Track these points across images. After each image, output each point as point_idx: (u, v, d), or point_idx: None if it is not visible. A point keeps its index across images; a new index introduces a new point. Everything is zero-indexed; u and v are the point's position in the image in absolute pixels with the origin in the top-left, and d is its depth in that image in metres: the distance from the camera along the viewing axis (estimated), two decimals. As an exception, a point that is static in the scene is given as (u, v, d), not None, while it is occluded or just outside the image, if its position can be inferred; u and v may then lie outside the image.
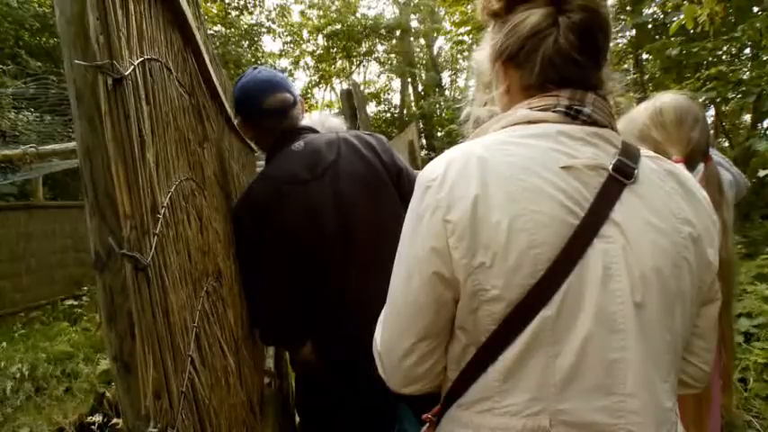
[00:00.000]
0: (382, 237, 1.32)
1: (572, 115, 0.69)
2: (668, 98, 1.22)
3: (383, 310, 0.78)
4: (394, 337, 0.74)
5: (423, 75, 17.54)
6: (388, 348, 0.75)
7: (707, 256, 0.70)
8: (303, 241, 1.35)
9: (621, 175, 0.67)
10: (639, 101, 1.30)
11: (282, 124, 1.48)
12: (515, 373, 0.65)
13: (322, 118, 2.10)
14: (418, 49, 18.72)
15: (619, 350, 0.63)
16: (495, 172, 0.65)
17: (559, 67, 0.69)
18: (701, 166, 1.20)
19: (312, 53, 18.35)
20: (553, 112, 0.69)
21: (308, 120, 2.04)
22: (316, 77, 18.54)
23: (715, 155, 1.23)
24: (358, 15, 17.62)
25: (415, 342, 0.72)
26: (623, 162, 0.68)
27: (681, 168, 0.75)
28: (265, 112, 1.45)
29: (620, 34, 6.18)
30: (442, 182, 0.66)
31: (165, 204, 0.70)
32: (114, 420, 3.07)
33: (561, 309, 0.63)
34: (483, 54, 0.80)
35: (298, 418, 1.90)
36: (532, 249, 0.62)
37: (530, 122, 0.70)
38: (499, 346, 0.65)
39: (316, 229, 1.35)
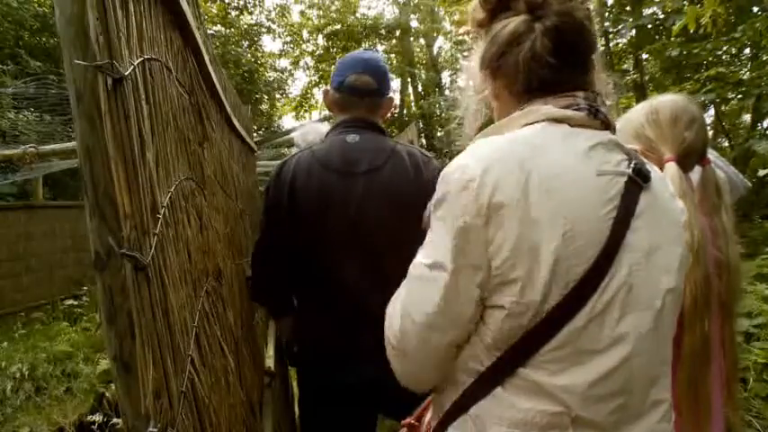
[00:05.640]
0: (395, 250, 1.24)
1: (593, 113, 0.71)
2: (666, 98, 1.23)
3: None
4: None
5: (423, 75, 17.50)
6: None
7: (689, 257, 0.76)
8: (305, 225, 1.39)
9: (641, 178, 0.68)
10: (639, 101, 1.31)
11: (353, 104, 1.48)
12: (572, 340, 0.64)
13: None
14: (418, 49, 18.67)
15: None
16: (538, 177, 0.64)
17: (536, 71, 0.71)
18: (697, 169, 1.20)
19: (312, 53, 18.31)
20: (575, 110, 0.71)
21: (327, 127, 2.10)
22: (316, 77, 18.48)
23: (711, 154, 1.22)
24: (358, 15, 17.57)
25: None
26: (640, 165, 0.69)
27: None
28: (345, 88, 1.47)
29: (619, 34, 6.18)
30: (480, 184, 0.64)
31: (164, 204, 0.70)
32: (114, 420, 3.07)
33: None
34: (473, 63, 0.82)
35: (298, 420, 1.90)
36: (571, 260, 0.63)
37: (555, 120, 0.70)
38: (565, 316, 0.64)
39: (323, 220, 1.38)
